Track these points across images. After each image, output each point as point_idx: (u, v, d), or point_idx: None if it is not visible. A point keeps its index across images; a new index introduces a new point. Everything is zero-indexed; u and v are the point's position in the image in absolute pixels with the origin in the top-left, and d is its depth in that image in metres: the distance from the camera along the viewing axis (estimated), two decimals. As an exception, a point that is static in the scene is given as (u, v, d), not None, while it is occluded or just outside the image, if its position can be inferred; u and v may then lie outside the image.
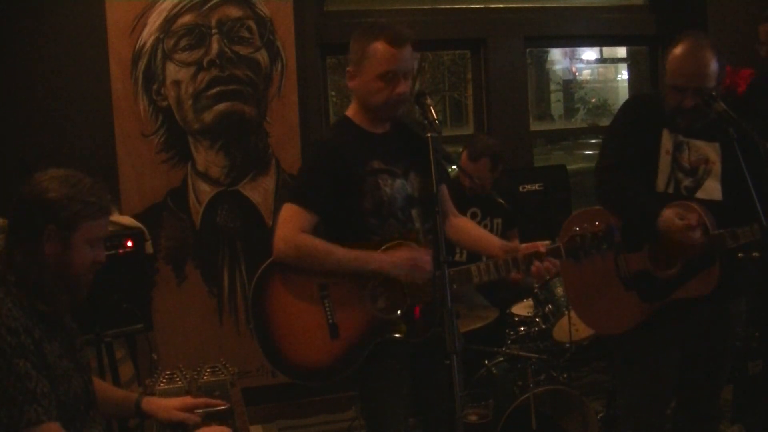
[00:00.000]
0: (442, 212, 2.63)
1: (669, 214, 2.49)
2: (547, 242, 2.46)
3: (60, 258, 1.81)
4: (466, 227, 2.67)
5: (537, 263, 2.40)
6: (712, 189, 2.60)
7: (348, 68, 2.44)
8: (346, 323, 2.38)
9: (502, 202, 3.60)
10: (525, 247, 2.46)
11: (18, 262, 1.80)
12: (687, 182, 2.61)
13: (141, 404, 2.07)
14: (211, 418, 2.03)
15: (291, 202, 2.39)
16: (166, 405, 2.07)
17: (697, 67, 2.48)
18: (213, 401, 2.09)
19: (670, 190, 2.61)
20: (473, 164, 3.72)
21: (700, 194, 2.60)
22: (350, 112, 2.52)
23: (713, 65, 2.48)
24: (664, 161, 2.60)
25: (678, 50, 2.53)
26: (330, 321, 2.38)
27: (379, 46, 2.36)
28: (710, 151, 2.60)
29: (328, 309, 2.38)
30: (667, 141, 2.60)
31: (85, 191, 1.83)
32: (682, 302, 2.59)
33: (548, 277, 2.49)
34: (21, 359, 1.69)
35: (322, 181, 2.38)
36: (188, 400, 2.09)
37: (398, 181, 2.45)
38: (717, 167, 2.59)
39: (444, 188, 2.67)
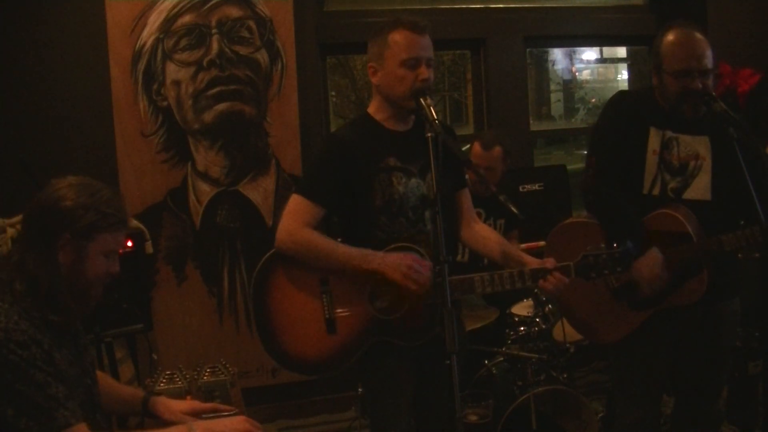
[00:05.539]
0: (463, 218, 2.63)
1: (654, 259, 2.50)
2: (550, 259, 2.40)
3: (73, 268, 1.78)
4: (488, 236, 2.60)
5: (542, 280, 2.36)
6: (701, 188, 2.57)
7: (370, 64, 2.43)
8: (343, 320, 2.39)
9: (513, 208, 3.56)
10: (535, 262, 2.42)
11: (30, 269, 1.76)
12: (674, 183, 2.58)
13: (148, 403, 2.06)
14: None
15: (298, 194, 2.40)
16: (173, 407, 2.06)
17: (698, 49, 2.48)
18: (221, 407, 2.08)
19: (656, 192, 2.59)
20: (486, 153, 3.69)
21: (688, 194, 2.58)
22: (371, 108, 2.51)
23: (708, 47, 2.50)
24: (651, 162, 2.58)
25: (671, 37, 2.52)
26: (328, 316, 2.38)
27: (400, 35, 2.36)
28: (700, 145, 2.58)
29: (326, 304, 2.39)
30: (653, 140, 2.58)
31: (104, 202, 1.80)
32: (673, 308, 2.59)
33: (555, 294, 2.43)
34: (36, 370, 1.67)
35: (331, 175, 2.38)
36: (196, 404, 2.09)
37: (413, 181, 2.43)
38: (707, 163, 2.57)
39: (467, 193, 2.65)
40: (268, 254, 2.43)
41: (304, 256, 2.36)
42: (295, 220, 2.36)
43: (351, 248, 2.35)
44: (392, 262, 2.32)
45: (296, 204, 2.38)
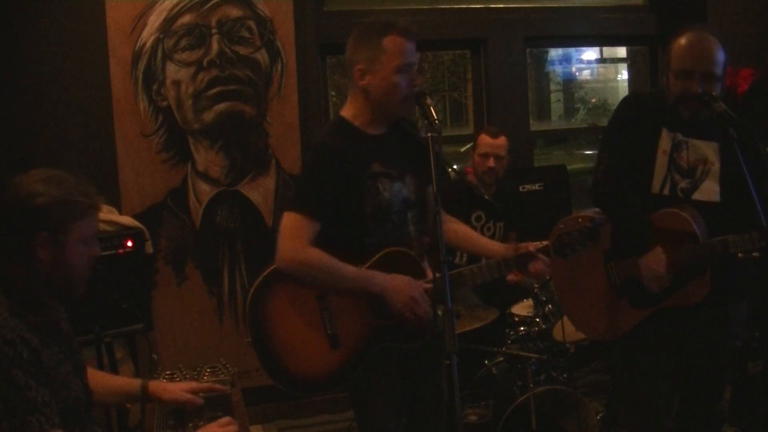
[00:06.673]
0: (431, 213, 2.61)
1: (658, 257, 2.50)
2: (537, 243, 2.47)
3: (55, 262, 1.77)
4: (461, 231, 2.66)
5: (534, 264, 2.42)
6: (709, 190, 2.57)
7: (358, 66, 2.37)
8: (345, 332, 2.37)
9: (492, 200, 3.70)
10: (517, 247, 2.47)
11: (4, 273, 1.73)
12: (684, 184, 2.59)
13: (148, 388, 2.09)
14: (212, 401, 2.09)
15: (294, 211, 2.33)
16: (172, 387, 2.10)
17: (704, 51, 2.46)
18: (217, 387, 2.16)
19: (666, 192, 2.59)
20: (495, 141, 3.85)
21: (697, 195, 2.58)
22: (347, 112, 2.46)
23: (720, 53, 2.47)
24: (661, 162, 2.58)
25: (683, 39, 2.51)
26: (330, 331, 2.36)
27: (394, 40, 2.35)
28: (709, 151, 2.58)
29: (326, 319, 2.37)
30: (665, 141, 2.58)
31: (73, 191, 1.77)
32: (675, 309, 2.58)
33: (547, 276, 2.50)
34: (19, 370, 1.65)
35: (327, 189, 2.34)
36: (194, 384, 2.15)
37: (396, 185, 2.42)
38: (716, 168, 2.57)
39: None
40: (260, 277, 2.38)
41: (310, 276, 2.33)
42: (299, 240, 2.30)
43: (354, 268, 2.33)
44: (396, 288, 2.32)
45: (295, 222, 2.32)
